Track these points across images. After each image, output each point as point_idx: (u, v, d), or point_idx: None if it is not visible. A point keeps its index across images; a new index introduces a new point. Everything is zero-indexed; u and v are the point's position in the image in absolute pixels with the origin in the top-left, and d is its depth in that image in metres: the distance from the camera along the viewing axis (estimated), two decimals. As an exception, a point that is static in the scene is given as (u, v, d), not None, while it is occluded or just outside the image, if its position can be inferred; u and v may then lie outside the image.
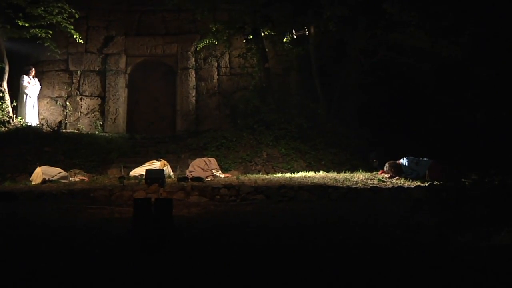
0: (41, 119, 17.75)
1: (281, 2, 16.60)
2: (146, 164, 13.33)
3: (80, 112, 18.82)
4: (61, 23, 17.16)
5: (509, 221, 6.22)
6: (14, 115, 17.01)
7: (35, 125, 17.01)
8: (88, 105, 18.91)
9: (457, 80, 16.50)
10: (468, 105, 16.32)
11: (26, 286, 4.56)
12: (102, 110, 18.88)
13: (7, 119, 16.64)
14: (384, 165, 12.97)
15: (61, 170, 12.93)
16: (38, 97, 18.13)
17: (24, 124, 16.73)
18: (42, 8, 16.57)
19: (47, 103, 18.48)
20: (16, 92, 17.78)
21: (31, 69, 17.72)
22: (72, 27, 17.45)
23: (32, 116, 17.51)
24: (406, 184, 11.62)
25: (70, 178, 12.83)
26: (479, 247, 5.70)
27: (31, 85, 17.57)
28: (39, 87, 17.95)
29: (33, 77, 17.71)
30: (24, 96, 17.49)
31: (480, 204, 6.97)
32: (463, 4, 14.77)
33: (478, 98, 16.15)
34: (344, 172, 13.48)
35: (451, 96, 16.69)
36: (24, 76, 17.54)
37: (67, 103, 18.76)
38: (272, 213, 8.93)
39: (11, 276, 4.76)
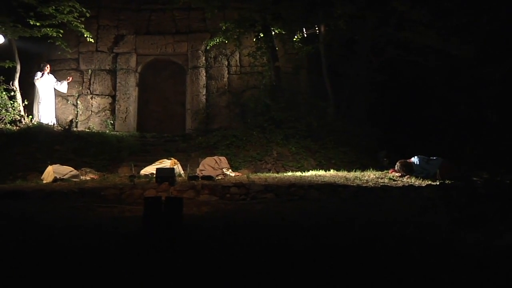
0: (51, 118, 17.72)
1: (291, 0, 16.62)
2: (157, 162, 13.35)
3: (91, 111, 18.92)
4: (72, 22, 17.26)
5: (520, 220, 6.19)
6: (26, 114, 17.09)
7: (48, 123, 17.03)
8: (99, 104, 19.00)
9: (468, 79, 16.43)
10: (479, 104, 16.25)
11: (37, 284, 4.58)
12: (113, 109, 18.98)
13: (19, 118, 16.73)
14: (395, 164, 12.94)
15: (72, 169, 12.96)
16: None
17: (35, 123, 16.79)
18: (53, 7, 16.67)
19: (58, 102, 18.53)
20: (27, 91, 17.88)
21: (45, 65, 17.80)
22: (82, 26, 17.55)
23: (47, 114, 17.56)
24: (416, 183, 11.57)
25: (81, 177, 12.87)
26: (491, 246, 5.68)
27: (42, 79, 17.60)
28: (58, 83, 17.95)
29: (48, 73, 17.77)
30: (39, 93, 17.59)
31: (491, 203, 6.94)
32: (474, 1, 14.70)
33: (489, 96, 16.07)
34: (355, 171, 13.44)
35: (461, 94, 16.63)
36: (38, 72, 17.67)
37: (78, 102, 18.88)
38: (282, 212, 8.91)
39: (20, 275, 4.79)
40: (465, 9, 14.36)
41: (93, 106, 18.99)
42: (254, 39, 18.14)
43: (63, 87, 17.98)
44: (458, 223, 6.56)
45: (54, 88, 17.93)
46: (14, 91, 17.12)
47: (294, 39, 18.57)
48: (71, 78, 18.27)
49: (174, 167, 12.69)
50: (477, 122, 15.93)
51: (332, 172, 13.56)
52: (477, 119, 15.95)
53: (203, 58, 19.38)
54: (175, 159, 13.63)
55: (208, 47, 19.18)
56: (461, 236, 6.10)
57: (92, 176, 13.08)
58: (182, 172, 13.26)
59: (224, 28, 17.92)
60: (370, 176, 12.54)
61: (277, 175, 13.20)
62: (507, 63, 15.23)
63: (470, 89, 16.25)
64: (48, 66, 17.91)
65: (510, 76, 15.30)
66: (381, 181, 11.92)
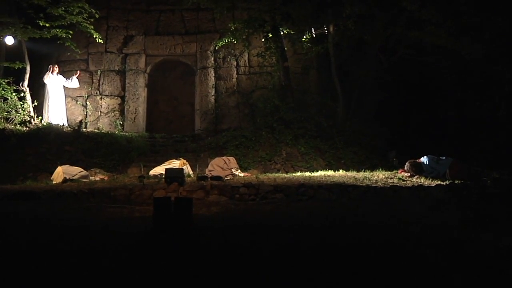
0: (61, 118, 17.71)
1: (300, 0, 16.58)
2: (166, 163, 13.38)
3: (100, 111, 18.95)
4: (81, 23, 17.30)
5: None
6: (35, 115, 17.13)
7: (58, 124, 17.04)
8: (108, 105, 19.03)
9: (478, 79, 16.36)
10: (489, 104, 16.18)
11: (49, 282, 4.60)
12: (122, 110, 18.99)
13: (28, 118, 16.76)
14: (404, 164, 12.89)
15: (82, 169, 13.02)
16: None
17: (45, 124, 16.82)
18: (63, 8, 16.71)
19: (67, 102, 18.56)
20: (37, 92, 17.95)
21: (53, 66, 17.83)
22: (92, 27, 17.59)
23: (56, 114, 17.57)
24: (426, 183, 11.52)
25: (91, 177, 12.91)
26: (501, 245, 5.66)
27: (50, 78, 17.65)
28: (68, 81, 17.97)
29: (56, 73, 17.82)
30: (48, 94, 17.64)
31: (501, 203, 6.92)
32: (484, 1, 14.62)
33: (499, 96, 16.00)
34: (364, 171, 13.42)
35: (471, 94, 16.56)
36: (47, 72, 17.71)
37: (88, 102, 18.91)
38: (292, 212, 8.90)
39: (33, 274, 4.81)
40: (476, 9, 14.29)
41: (103, 106, 19.02)
42: (263, 39, 18.10)
43: (74, 83, 18.00)
44: (468, 222, 6.54)
45: (64, 89, 17.96)
46: (24, 92, 17.15)
47: (303, 39, 18.51)
48: (79, 72, 18.29)
49: (183, 167, 12.71)
50: (487, 121, 15.86)
51: (341, 172, 13.54)
52: (487, 119, 15.89)
53: (212, 58, 19.37)
54: (184, 159, 13.66)
55: (217, 48, 19.19)
56: (471, 236, 6.08)
57: (101, 177, 13.13)
58: (191, 172, 13.28)
59: (233, 28, 17.91)
60: (380, 176, 12.51)
61: (286, 175, 13.19)
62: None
63: (480, 89, 16.19)
64: (57, 66, 17.95)
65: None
66: (391, 181, 11.88)
